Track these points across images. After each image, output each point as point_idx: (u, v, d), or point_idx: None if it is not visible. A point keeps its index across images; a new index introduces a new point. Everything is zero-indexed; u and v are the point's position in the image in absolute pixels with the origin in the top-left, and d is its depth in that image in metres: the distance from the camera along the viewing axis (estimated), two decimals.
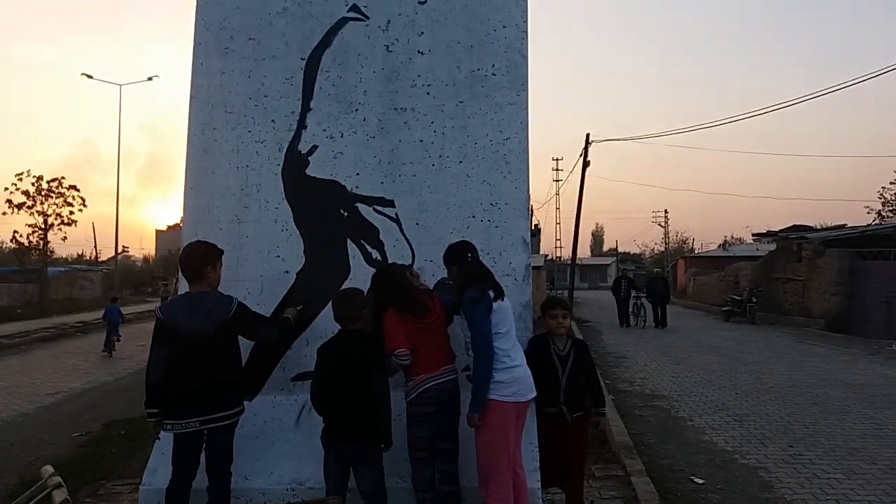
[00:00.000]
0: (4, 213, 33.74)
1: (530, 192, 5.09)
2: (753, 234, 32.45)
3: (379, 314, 4.18)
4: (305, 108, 5.16)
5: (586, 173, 29.09)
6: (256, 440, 4.74)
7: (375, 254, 5.03)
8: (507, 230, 4.98)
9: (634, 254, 76.99)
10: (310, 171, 5.11)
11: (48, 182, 34.53)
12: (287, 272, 5.04)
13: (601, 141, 31.36)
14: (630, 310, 21.70)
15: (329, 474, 4.09)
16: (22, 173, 33.70)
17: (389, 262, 4.99)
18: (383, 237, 5.04)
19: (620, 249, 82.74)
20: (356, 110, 5.15)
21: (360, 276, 4.94)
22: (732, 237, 65.03)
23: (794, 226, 25.23)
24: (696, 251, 59.53)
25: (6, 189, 33.86)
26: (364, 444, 4.02)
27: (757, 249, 40.01)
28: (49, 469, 5.35)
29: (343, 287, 4.65)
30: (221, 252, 4.36)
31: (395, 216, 5.05)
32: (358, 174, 5.09)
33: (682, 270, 45.08)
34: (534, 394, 4.10)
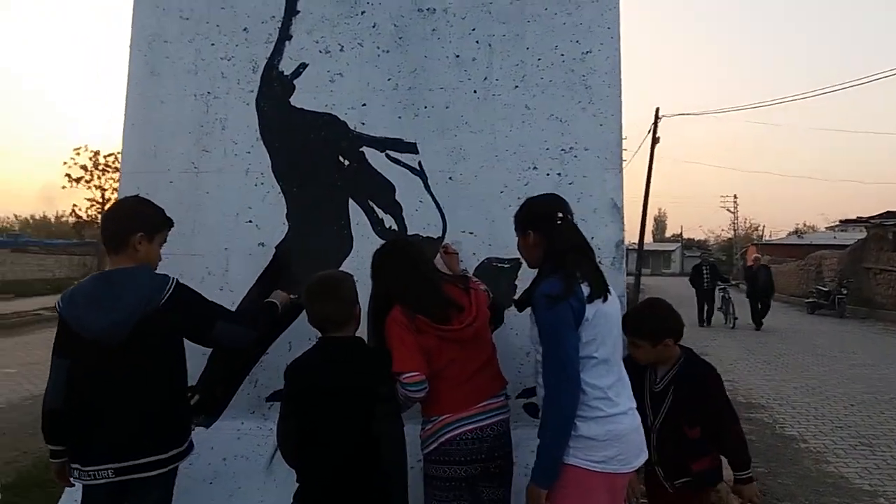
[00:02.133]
0: (64, 188, 35.09)
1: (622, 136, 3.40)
2: (841, 221, 29.63)
3: (382, 314, 2.61)
4: (291, 12, 3.59)
5: (655, 151, 26.77)
6: (210, 487, 3.27)
7: (389, 220, 3.44)
8: (586, 188, 3.31)
9: (699, 240, 73.66)
10: (295, 101, 3.54)
11: (105, 157, 35.38)
12: (262, 244, 3.50)
13: (672, 116, 29.00)
14: (717, 305, 17.08)
15: None
16: (80, 148, 34.52)
17: (409, 233, 3.41)
18: (401, 197, 3.45)
19: (685, 236, 79.20)
20: (363, 13, 3.55)
21: (365, 252, 3.37)
22: (805, 224, 61.69)
23: (889, 212, 22.58)
24: (766, 239, 56.29)
25: (65, 163, 34.80)
26: None
27: (835, 238, 37.35)
28: None
29: (334, 269, 3.11)
30: (167, 222, 2.82)
31: (418, 166, 3.45)
32: (364, 105, 3.50)
33: (751, 259, 42.26)
34: (644, 457, 2.45)
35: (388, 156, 3.46)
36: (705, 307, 17.02)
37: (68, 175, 34.75)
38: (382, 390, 2.51)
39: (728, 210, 61.54)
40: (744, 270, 19.38)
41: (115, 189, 35.44)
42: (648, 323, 2.78)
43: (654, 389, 2.77)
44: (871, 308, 20.25)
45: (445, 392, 2.55)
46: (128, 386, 2.55)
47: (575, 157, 3.34)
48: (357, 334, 2.65)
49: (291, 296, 3.13)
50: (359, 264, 3.38)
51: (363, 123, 3.49)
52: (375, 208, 3.46)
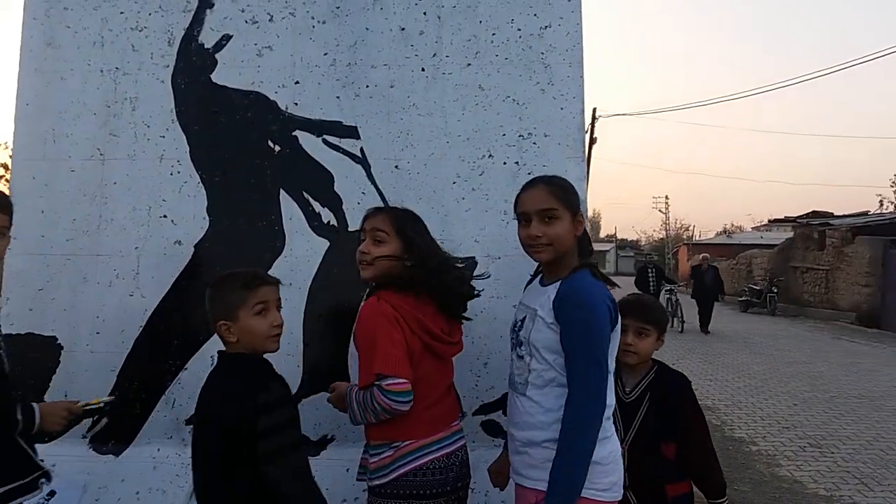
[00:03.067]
0: None
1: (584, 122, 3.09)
2: (770, 220, 30.51)
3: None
4: None
5: (593, 152, 26.93)
6: None
7: (327, 215, 3.05)
8: None
9: (632, 240, 75.18)
10: (218, 78, 3.10)
11: None
12: (179, 242, 3.05)
13: (610, 116, 29.25)
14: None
15: None
16: (1, 144, 32.92)
17: (350, 228, 3.02)
18: (340, 188, 3.05)
19: (619, 236, 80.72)
20: None
21: (300, 250, 3.00)
22: (733, 225, 63.73)
23: (815, 212, 23.36)
24: (696, 239, 57.83)
25: None
26: None
27: (762, 238, 38.59)
28: None
29: (259, 268, 2.70)
30: None
31: (359, 153, 3.06)
32: (297, 83, 3.09)
33: (684, 258, 43.33)
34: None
35: (324, 141, 3.06)
36: None
37: None
38: (269, 428, 1.89)
39: (660, 211, 62.85)
40: (691, 270, 17.94)
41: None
42: (658, 310, 2.51)
43: (625, 400, 2.44)
44: (799, 306, 20.89)
45: (414, 412, 2.13)
46: None
47: (534, 143, 3.01)
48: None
49: (81, 404, 2.32)
50: (292, 265, 2.99)
51: (296, 104, 3.08)
52: (311, 201, 3.05)
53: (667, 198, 62.67)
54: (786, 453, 6.13)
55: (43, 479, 2.23)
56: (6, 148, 32.45)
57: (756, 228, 49.87)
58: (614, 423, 2.32)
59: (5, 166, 32.84)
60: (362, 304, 2.14)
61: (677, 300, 16.25)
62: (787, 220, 25.68)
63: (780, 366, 10.88)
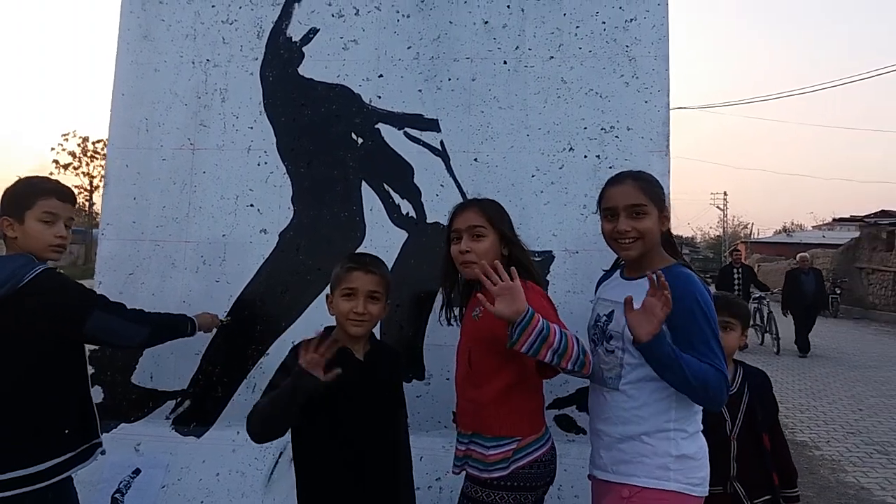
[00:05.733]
0: (51, 174, 34.70)
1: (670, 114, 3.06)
2: (835, 219, 29.55)
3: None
4: None
5: None
6: None
7: (406, 206, 3.09)
8: None
9: (687, 237, 73.72)
10: (304, 71, 3.17)
11: (94, 143, 35.08)
12: (265, 231, 3.14)
13: (673, 109, 28.59)
14: (752, 321, 12.72)
15: None
16: (68, 133, 34.38)
17: (429, 221, 3.06)
18: (419, 180, 3.09)
19: (674, 233, 79.17)
20: None
21: (379, 241, 3.04)
22: (793, 223, 61.97)
23: (884, 211, 22.45)
24: (754, 237, 56.43)
25: (52, 149, 34.67)
26: None
27: (824, 237, 37.42)
28: None
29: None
30: (41, 192, 2.27)
31: (439, 146, 3.09)
32: (381, 76, 3.14)
33: (743, 256, 42.29)
34: None
35: (406, 133, 3.10)
36: None
37: (56, 161, 34.52)
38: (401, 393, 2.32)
39: (717, 207, 61.57)
40: (786, 276, 13.24)
41: (102, 176, 35.11)
42: (741, 304, 2.56)
43: (729, 391, 2.44)
44: (864, 308, 20.20)
45: (537, 404, 2.20)
46: None
47: (616, 137, 2.99)
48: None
49: (222, 320, 2.88)
50: (373, 253, 3.04)
51: (379, 97, 3.13)
52: (391, 192, 3.10)
53: (725, 194, 61.39)
54: (851, 459, 5.98)
55: (100, 449, 2.34)
56: (75, 136, 33.79)
57: (818, 227, 48.51)
58: (721, 413, 2.37)
59: (72, 154, 34.15)
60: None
61: (770, 312, 12.76)
62: (853, 219, 24.78)
63: (843, 369, 10.57)
